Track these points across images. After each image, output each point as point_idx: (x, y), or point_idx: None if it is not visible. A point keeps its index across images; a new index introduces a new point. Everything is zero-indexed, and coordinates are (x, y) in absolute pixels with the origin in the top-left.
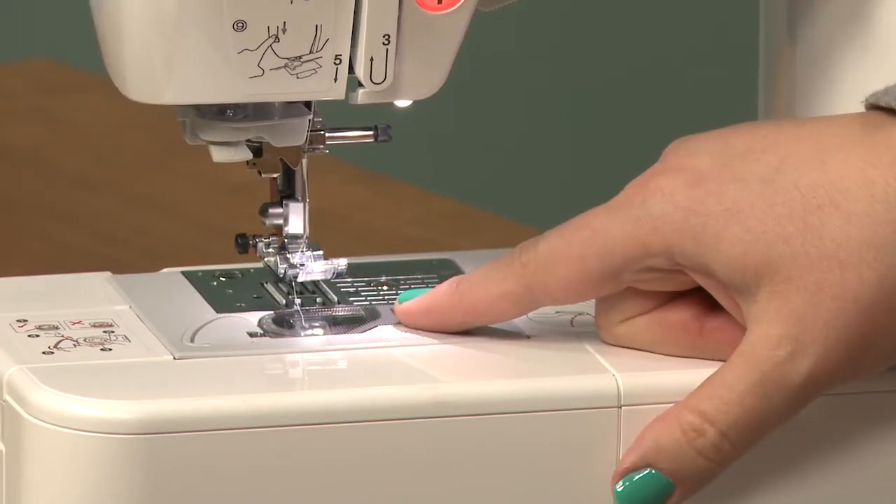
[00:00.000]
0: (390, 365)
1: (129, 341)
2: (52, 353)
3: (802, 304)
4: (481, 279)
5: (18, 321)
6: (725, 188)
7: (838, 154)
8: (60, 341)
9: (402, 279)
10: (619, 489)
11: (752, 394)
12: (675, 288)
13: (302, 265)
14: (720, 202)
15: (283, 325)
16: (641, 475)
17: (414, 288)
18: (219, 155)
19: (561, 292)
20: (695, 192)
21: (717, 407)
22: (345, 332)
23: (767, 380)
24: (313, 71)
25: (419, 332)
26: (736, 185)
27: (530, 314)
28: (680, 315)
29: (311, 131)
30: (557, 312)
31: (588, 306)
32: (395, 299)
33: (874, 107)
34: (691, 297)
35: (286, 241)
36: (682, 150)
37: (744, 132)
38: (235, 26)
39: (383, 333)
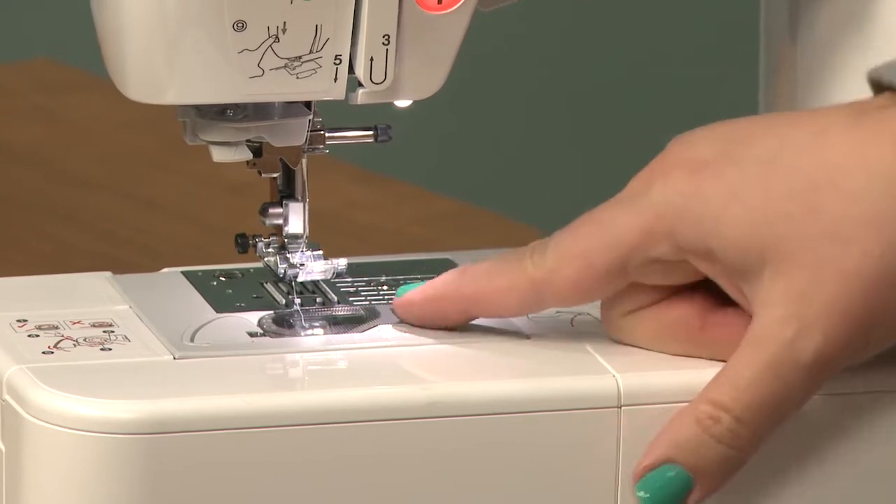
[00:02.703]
0: (390, 365)
1: (129, 341)
2: (52, 352)
3: (805, 282)
4: (488, 270)
5: (18, 321)
6: (725, 172)
7: (836, 135)
8: (60, 341)
9: (402, 279)
10: (641, 492)
11: (763, 377)
12: (681, 280)
13: (302, 265)
14: (720, 185)
15: (283, 324)
16: (662, 474)
17: (412, 283)
18: (219, 155)
19: (568, 291)
20: (695, 178)
21: (731, 394)
22: (344, 332)
23: (777, 361)
24: (313, 71)
25: (419, 331)
26: (735, 169)
27: (530, 314)
28: (683, 311)
29: (310, 131)
30: (558, 312)
31: (588, 307)
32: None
33: (875, 82)
34: (695, 294)
35: (286, 240)
36: (682, 142)
37: (742, 122)
38: (235, 26)
39: (383, 333)
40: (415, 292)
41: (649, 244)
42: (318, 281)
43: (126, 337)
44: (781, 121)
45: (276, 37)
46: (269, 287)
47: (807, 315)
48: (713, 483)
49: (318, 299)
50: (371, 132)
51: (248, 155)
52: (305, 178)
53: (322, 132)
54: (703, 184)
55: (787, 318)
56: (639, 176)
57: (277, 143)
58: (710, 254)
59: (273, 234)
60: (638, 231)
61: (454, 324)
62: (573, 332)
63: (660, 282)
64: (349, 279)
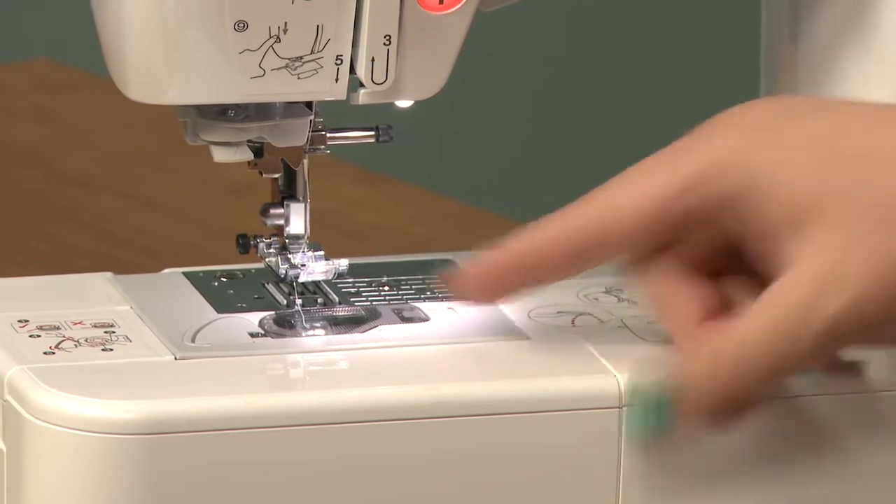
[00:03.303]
0: (391, 365)
1: (130, 341)
2: (54, 353)
3: (839, 250)
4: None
5: (20, 321)
6: (772, 136)
7: (883, 114)
8: (62, 341)
9: (403, 279)
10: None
11: (774, 333)
12: (704, 242)
13: (303, 265)
14: (768, 146)
15: (284, 325)
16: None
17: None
18: (220, 155)
19: (627, 227)
20: (743, 136)
21: (736, 341)
22: (346, 333)
23: (791, 317)
24: (314, 71)
25: (419, 332)
26: (786, 135)
27: (531, 313)
28: (691, 299)
29: (312, 131)
30: (559, 313)
31: (589, 306)
32: (396, 299)
33: None
34: (706, 291)
35: (287, 241)
36: (733, 111)
37: (780, 99)
38: (237, 26)
39: (384, 333)
40: (481, 263)
41: (694, 186)
42: (319, 281)
43: (127, 337)
44: (819, 101)
45: (278, 37)
46: (271, 287)
47: (840, 275)
48: (691, 406)
49: (320, 300)
50: (372, 132)
51: (249, 155)
52: (307, 178)
53: (323, 132)
54: (751, 144)
55: (813, 277)
56: (683, 138)
57: (278, 144)
58: (746, 212)
59: (274, 235)
60: (679, 179)
61: (538, 286)
62: (574, 331)
63: (688, 236)
64: (350, 279)
